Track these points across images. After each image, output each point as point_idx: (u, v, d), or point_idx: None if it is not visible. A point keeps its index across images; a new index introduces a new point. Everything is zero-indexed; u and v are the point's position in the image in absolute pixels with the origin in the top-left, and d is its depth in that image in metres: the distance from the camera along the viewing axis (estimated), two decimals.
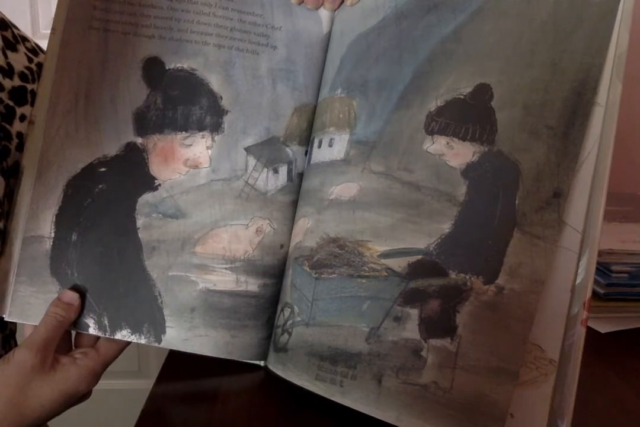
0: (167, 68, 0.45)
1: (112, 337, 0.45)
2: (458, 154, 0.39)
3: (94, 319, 0.45)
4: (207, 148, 0.45)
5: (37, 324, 0.43)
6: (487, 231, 0.38)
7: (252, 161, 0.46)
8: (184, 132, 0.45)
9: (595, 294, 0.62)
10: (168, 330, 0.45)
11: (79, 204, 0.45)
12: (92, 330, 0.45)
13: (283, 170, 0.46)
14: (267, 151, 0.46)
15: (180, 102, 0.45)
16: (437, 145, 0.40)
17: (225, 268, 0.46)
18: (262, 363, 0.48)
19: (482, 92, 0.39)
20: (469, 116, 0.39)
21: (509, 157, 0.38)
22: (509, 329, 0.37)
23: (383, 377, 0.38)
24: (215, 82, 0.45)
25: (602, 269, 0.63)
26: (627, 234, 0.69)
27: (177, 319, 0.45)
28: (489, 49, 0.40)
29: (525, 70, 0.39)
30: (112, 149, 0.45)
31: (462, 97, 0.40)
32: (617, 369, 0.52)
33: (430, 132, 0.40)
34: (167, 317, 0.45)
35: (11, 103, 0.46)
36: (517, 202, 0.38)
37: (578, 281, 0.38)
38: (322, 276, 0.42)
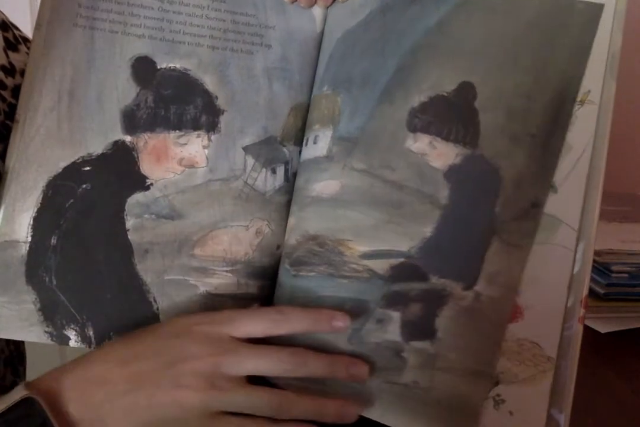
0: (158, 67, 0.47)
1: None
2: (440, 154, 0.42)
3: (76, 331, 0.46)
4: (204, 147, 0.48)
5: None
6: (468, 237, 0.41)
7: (250, 161, 0.48)
8: (177, 131, 0.47)
9: (595, 294, 0.66)
10: None
11: (59, 206, 0.46)
12: (74, 342, 0.46)
13: (280, 170, 0.49)
14: (265, 151, 0.48)
15: (173, 101, 0.47)
16: (420, 143, 0.42)
17: (226, 271, 0.47)
18: None
19: (466, 90, 0.42)
20: (452, 115, 0.42)
21: (490, 163, 0.41)
22: (484, 333, 0.41)
23: None
24: (210, 82, 0.48)
25: (602, 269, 0.66)
26: (627, 234, 0.73)
27: None
28: (474, 45, 0.42)
29: (509, 72, 0.42)
30: (97, 148, 0.46)
31: (445, 94, 0.42)
32: (617, 369, 0.56)
33: (413, 129, 0.42)
34: None
35: (14, 101, 0.49)
36: (496, 209, 0.41)
37: (574, 279, 0.41)
38: (301, 273, 0.44)
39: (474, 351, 0.41)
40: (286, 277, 0.46)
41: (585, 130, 0.42)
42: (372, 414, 0.41)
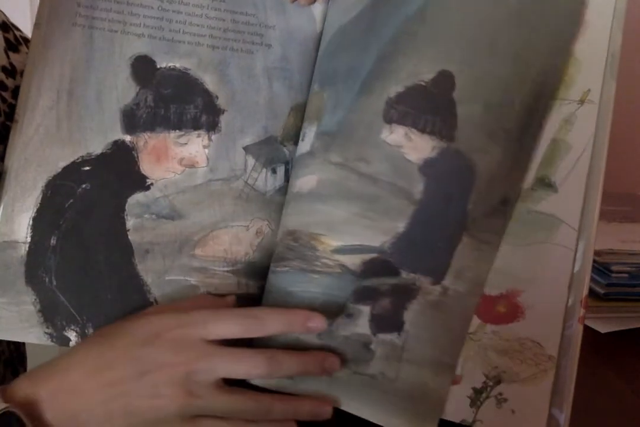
0: (158, 67, 0.48)
1: None
2: (416, 147, 0.41)
3: (77, 331, 0.46)
4: (204, 147, 0.48)
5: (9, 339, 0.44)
6: (439, 233, 0.42)
7: (250, 161, 0.49)
8: (177, 131, 0.47)
9: (595, 294, 0.66)
10: None
11: (59, 206, 0.46)
12: (74, 343, 0.46)
13: (281, 170, 0.49)
14: (266, 151, 0.49)
15: (173, 100, 0.47)
16: (396, 135, 0.42)
17: (227, 271, 0.48)
18: None
19: (444, 79, 0.41)
20: (429, 106, 0.42)
21: (465, 157, 0.41)
22: (450, 327, 0.42)
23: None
24: (210, 82, 0.48)
25: (602, 269, 0.67)
26: (627, 234, 0.74)
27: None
28: (453, 30, 0.42)
29: (487, 59, 0.41)
30: (97, 147, 0.47)
31: (423, 83, 0.42)
32: (617, 369, 0.57)
33: (389, 120, 0.42)
34: None
35: (15, 102, 0.49)
36: (469, 206, 0.41)
37: (575, 279, 0.42)
38: (277, 269, 0.45)
39: (439, 343, 0.42)
40: (269, 274, 0.46)
41: (585, 130, 0.42)
42: (337, 403, 0.42)
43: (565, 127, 0.43)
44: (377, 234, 0.42)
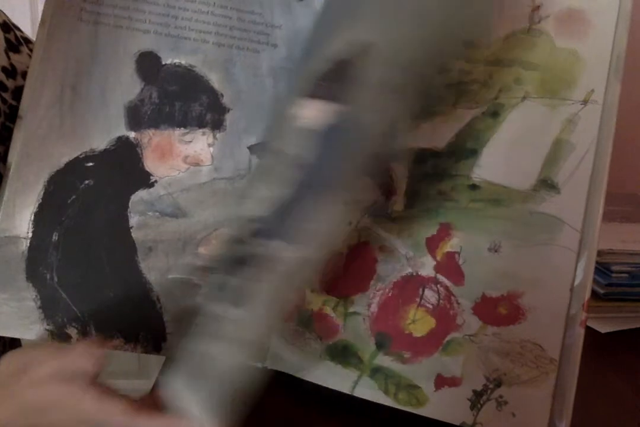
0: (163, 63, 0.47)
1: None
2: (317, 115, 0.40)
3: (77, 329, 0.46)
4: (209, 145, 0.48)
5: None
6: (311, 196, 0.39)
7: (255, 160, 0.48)
8: (182, 128, 0.47)
9: (595, 294, 0.66)
10: (169, 337, 0.46)
11: (61, 202, 0.46)
12: (75, 341, 0.45)
13: None
14: None
15: (178, 97, 0.47)
16: (305, 110, 0.41)
17: None
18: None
19: (360, 51, 0.40)
20: (338, 78, 0.40)
21: (357, 117, 0.40)
22: (281, 301, 0.40)
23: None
24: (215, 80, 0.48)
25: (602, 269, 0.67)
26: (627, 234, 0.73)
27: (179, 324, 0.46)
28: (381, 8, 0.41)
29: (411, 27, 0.40)
30: (101, 143, 0.47)
31: (342, 58, 0.40)
32: (617, 369, 0.56)
33: (305, 97, 0.41)
34: (167, 324, 0.46)
35: (15, 103, 0.48)
36: (340, 165, 0.40)
37: (577, 281, 0.42)
38: None
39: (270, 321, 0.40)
40: None
41: (588, 130, 0.42)
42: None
43: (569, 128, 0.42)
44: (266, 205, 0.40)
